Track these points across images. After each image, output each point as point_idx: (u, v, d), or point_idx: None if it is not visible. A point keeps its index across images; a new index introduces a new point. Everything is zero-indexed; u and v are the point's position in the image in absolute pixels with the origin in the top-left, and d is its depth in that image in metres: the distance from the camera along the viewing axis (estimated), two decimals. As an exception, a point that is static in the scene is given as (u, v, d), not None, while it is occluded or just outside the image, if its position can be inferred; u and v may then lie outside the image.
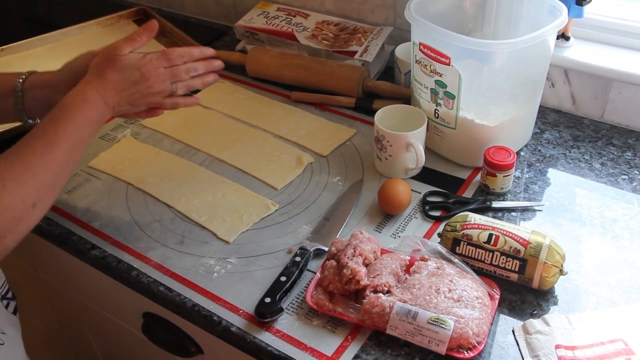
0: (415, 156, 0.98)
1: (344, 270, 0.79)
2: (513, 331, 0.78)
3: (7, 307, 0.97)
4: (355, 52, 1.25)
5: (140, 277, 0.89)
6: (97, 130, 0.85)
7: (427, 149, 1.03)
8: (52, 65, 1.35)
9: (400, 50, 1.21)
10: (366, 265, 0.82)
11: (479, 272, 0.82)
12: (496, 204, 0.95)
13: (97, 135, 1.09)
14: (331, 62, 1.24)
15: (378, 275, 0.80)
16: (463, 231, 0.83)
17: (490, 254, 0.82)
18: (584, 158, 1.06)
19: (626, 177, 1.01)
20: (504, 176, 0.96)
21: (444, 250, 0.84)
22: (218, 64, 0.95)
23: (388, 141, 0.98)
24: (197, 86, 0.95)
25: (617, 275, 0.84)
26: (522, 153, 1.07)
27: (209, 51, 0.95)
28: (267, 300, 0.81)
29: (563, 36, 1.14)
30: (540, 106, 1.08)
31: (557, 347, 0.74)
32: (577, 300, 0.81)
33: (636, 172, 1.02)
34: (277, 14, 1.39)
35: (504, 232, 0.82)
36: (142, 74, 0.87)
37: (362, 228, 0.88)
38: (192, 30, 1.45)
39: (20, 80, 0.91)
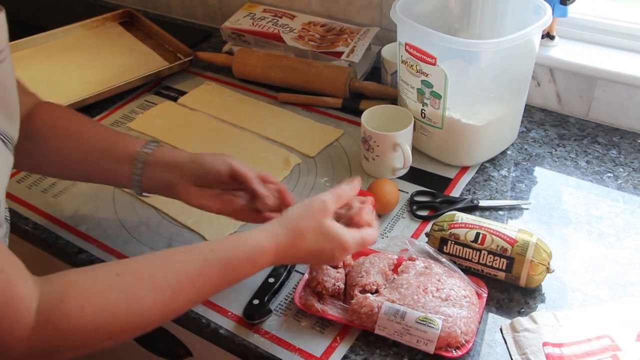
0: (403, 156, 0.98)
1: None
2: (501, 329, 0.78)
3: None
4: (341, 53, 1.25)
5: (127, 280, 0.89)
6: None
7: (414, 149, 1.03)
8: (37, 68, 1.35)
9: (387, 51, 1.21)
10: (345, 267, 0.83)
11: (467, 271, 0.82)
12: (483, 203, 0.96)
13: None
14: (318, 63, 1.24)
15: (366, 274, 0.80)
16: (450, 230, 0.84)
17: (478, 252, 0.82)
18: (569, 156, 1.07)
19: (611, 174, 1.02)
20: None
21: (431, 250, 0.84)
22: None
23: (375, 141, 0.98)
24: None
25: (603, 272, 0.85)
26: (508, 152, 1.08)
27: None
28: (256, 302, 0.81)
29: (548, 35, 1.15)
30: (526, 105, 1.09)
31: (545, 344, 0.74)
32: (564, 297, 0.82)
33: (621, 169, 1.03)
34: (263, 15, 1.39)
35: (491, 231, 0.82)
36: (332, 256, 0.74)
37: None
38: (178, 32, 1.44)
39: (145, 153, 0.83)
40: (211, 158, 0.83)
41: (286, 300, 0.84)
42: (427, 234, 0.88)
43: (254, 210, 0.83)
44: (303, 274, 0.85)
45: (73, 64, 1.36)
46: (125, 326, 0.62)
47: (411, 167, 1.03)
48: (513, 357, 0.75)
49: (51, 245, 0.96)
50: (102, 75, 1.30)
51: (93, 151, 0.85)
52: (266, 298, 0.81)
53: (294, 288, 0.84)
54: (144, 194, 0.86)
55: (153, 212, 0.99)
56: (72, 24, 1.46)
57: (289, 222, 0.72)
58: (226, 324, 0.81)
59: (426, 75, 0.97)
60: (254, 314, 0.80)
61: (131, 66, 1.34)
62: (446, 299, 0.76)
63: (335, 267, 0.82)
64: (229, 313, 0.82)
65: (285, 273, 0.84)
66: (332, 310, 0.79)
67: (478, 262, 0.83)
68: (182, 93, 1.28)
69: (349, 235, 0.74)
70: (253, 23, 1.37)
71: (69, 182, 1.06)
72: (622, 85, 1.09)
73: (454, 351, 0.74)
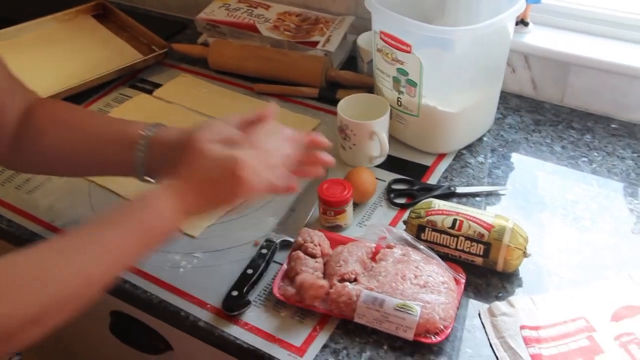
0: (379, 144, 0.98)
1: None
2: (479, 314, 0.79)
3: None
4: (317, 43, 1.25)
5: (105, 275, 0.88)
6: (160, 238, 0.69)
7: (391, 137, 1.03)
8: (7, 63, 1.32)
9: (363, 39, 1.21)
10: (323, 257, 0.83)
11: (445, 258, 0.83)
12: (460, 190, 0.96)
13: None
14: (294, 53, 1.23)
15: (344, 263, 0.80)
16: (428, 217, 0.84)
17: (455, 239, 0.82)
18: (545, 142, 1.07)
19: (586, 159, 1.03)
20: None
21: (409, 237, 0.84)
22: (328, 159, 0.80)
23: (352, 130, 0.98)
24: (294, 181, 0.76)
25: (579, 255, 0.86)
26: (485, 138, 1.08)
27: (317, 138, 0.79)
28: (234, 293, 0.81)
29: (522, 22, 1.15)
30: (502, 92, 1.09)
31: (522, 327, 0.75)
32: (541, 281, 0.83)
33: (595, 154, 1.04)
34: (238, 6, 1.38)
35: (468, 217, 0.83)
36: (233, 176, 0.69)
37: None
38: (153, 24, 1.42)
39: (147, 135, 0.79)
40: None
41: (265, 291, 0.83)
42: (404, 222, 0.88)
43: None
44: (282, 264, 0.85)
45: (45, 58, 1.34)
46: (46, 305, 0.60)
47: (388, 156, 1.03)
48: (491, 341, 0.75)
49: (26, 242, 0.94)
50: (75, 69, 1.28)
51: (97, 139, 0.82)
52: (245, 289, 0.81)
53: (272, 279, 0.84)
54: (146, 178, 0.82)
55: (130, 206, 0.98)
56: (43, 17, 1.44)
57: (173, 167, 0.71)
58: (205, 316, 0.81)
59: (401, 63, 0.97)
60: (232, 306, 0.80)
61: (105, 59, 1.32)
62: (424, 286, 0.77)
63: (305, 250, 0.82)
64: (208, 305, 0.82)
65: (263, 264, 0.84)
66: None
67: (456, 249, 0.83)
68: (158, 86, 1.27)
69: (236, 147, 0.70)
70: (228, 14, 1.35)
71: (43, 177, 1.05)
72: (595, 70, 1.10)
73: (433, 337, 0.74)
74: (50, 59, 1.34)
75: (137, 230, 0.67)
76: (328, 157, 0.80)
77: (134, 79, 1.30)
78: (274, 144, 0.74)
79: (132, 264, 0.69)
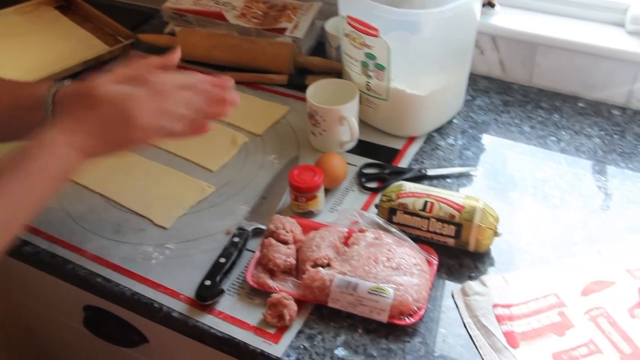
0: (349, 129, 0.98)
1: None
2: (452, 294, 0.80)
3: None
4: (285, 29, 1.24)
5: (76, 270, 0.87)
6: (61, 180, 0.70)
7: (361, 122, 1.03)
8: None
9: (330, 25, 1.20)
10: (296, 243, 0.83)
11: (417, 240, 0.83)
12: (431, 172, 0.97)
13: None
14: (261, 40, 1.22)
15: (317, 248, 0.80)
16: (399, 200, 0.84)
17: (426, 221, 0.83)
18: (514, 122, 1.08)
19: (554, 138, 1.04)
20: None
21: (381, 221, 0.84)
22: (231, 97, 0.78)
23: (321, 116, 0.97)
24: (206, 122, 0.77)
25: (549, 233, 0.87)
26: (454, 121, 1.09)
27: (219, 80, 0.77)
28: (207, 283, 0.80)
29: (489, 4, 1.16)
30: (470, 74, 1.10)
31: (495, 306, 0.76)
32: (512, 259, 0.84)
33: (563, 132, 1.05)
34: (204, -6, 1.36)
35: (439, 199, 0.83)
36: (123, 112, 0.69)
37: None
38: (117, 14, 1.40)
39: (52, 93, 0.78)
40: None
41: (239, 279, 0.83)
42: (376, 206, 0.88)
43: None
44: (254, 252, 0.84)
45: (6, 52, 1.31)
46: None
47: (359, 140, 1.03)
48: (465, 321, 0.76)
49: None
50: (38, 62, 1.25)
51: (3, 105, 0.81)
52: (218, 278, 0.80)
53: (245, 267, 0.84)
54: None
55: (99, 199, 0.97)
56: (3, 9, 1.40)
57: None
58: (179, 307, 0.80)
59: (369, 48, 0.97)
60: (205, 295, 0.79)
61: (70, 51, 1.29)
62: (397, 268, 0.77)
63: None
64: (181, 296, 0.81)
65: (236, 252, 0.84)
66: (285, 287, 0.79)
67: (427, 230, 0.83)
68: (124, 77, 1.25)
69: (132, 87, 0.71)
70: (194, 2, 1.33)
71: (9, 173, 1.03)
72: (562, 50, 1.11)
73: (407, 319, 0.74)
74: (12, 52, 1.31)
75: (40, 176, 0.67)
76: (234, 95, 0.79)
77: (100, 70, 1.28)
78: (174, 87, 0.74)
79: (38, 210, 0.69)
